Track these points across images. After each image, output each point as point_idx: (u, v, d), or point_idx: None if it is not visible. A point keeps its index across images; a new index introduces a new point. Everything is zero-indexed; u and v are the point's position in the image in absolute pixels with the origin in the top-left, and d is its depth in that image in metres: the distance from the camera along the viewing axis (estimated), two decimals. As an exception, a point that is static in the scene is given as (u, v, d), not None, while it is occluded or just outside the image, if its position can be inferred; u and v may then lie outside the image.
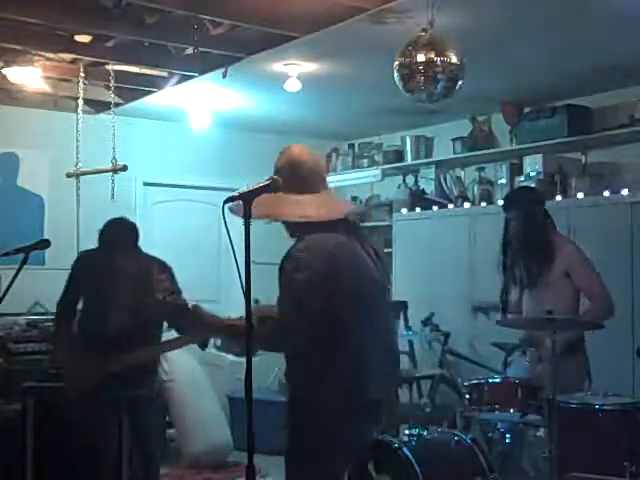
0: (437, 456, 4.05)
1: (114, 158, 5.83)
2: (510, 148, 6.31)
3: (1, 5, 4.32)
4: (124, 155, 5.95)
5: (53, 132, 6.52)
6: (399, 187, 7.30)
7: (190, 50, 5.01)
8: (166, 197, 7.35)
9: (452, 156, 6.76)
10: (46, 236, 5.68)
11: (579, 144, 5.88)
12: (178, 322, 4.02)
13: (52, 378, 4.91)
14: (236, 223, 2.53)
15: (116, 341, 3.98)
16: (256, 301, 2.90)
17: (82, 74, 5.59)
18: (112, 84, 5.73)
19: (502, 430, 4.13)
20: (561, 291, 4.19)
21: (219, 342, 3.55)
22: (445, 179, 6.84)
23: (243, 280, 2.42)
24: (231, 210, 2.60)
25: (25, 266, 3.53)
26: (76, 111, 6.01)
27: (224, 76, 5.30)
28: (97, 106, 6.41)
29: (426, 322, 5.88)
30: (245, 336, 2.39)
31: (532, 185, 5.72)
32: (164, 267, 4.21)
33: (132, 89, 6.08)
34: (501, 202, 6.09)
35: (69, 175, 6.11)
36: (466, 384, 4.18)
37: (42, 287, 6.03)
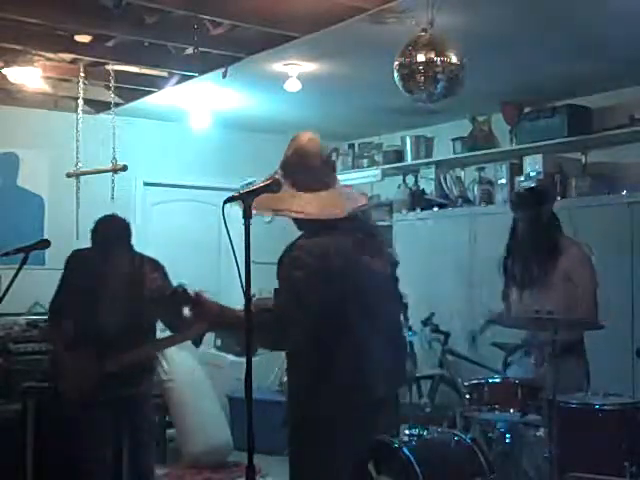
0: (437, 456, 4.03)
1: (114, 158, 5.83)
2: (510, 148, 6.31)
3: (1, 5, 4.32)
4: (124, 155, 5.95)
5: (53, 132, 6.52)
6: (399, 187, 7.30)
7: (190, 50, 5.01)
8: (166, 197, 7.35)
9: (452, 156, 6.76)
10: (46, 236, 5.68)
11: (579, 144, 5.88)
12: (172, 320, 4.02)
13: (52, 378, 4.93)
14: (236, 223, 2.53)
15: (111, 340, 3.97)
16: (252, 296, 2.90)
17: (82, 74, 5.59)
18: (112, 84, 5.73)
19: (502, 430, 4.12)
20: (561, 293, 4.18)
21: (219, 342, 3.56)
22: (445, 179, 6.84)
23: (243, 280, 2.43)
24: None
25: (25, 266, 3.53)
26: (76, 111, 6.01)
27: (224, 76, 5.30)
28: (97, 106, 6.41)
29: (426, 322, 5.88)
30: (244, 329, 2.39)
31: (534, 185, 5.72)
32: (157, 265, 4.21)
33: (132, 89, 6.08)
34: (501, 202, 6.17)
35: (69, 175, 6.11)
36: (466, 384, 4.17)
37: (42, 287, 6.00)
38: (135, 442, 4.14)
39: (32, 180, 6.59)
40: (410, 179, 7.30)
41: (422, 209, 6.77)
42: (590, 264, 4.24)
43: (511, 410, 3.95)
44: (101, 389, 3.93)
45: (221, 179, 7.23)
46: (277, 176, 2.69)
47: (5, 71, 5.45)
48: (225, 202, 2.50)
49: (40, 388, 4.62)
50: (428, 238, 6.54)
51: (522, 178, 6.03)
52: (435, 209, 6.67)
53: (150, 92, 6.11)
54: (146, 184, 7.15)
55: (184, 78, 5.65)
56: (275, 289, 2.77)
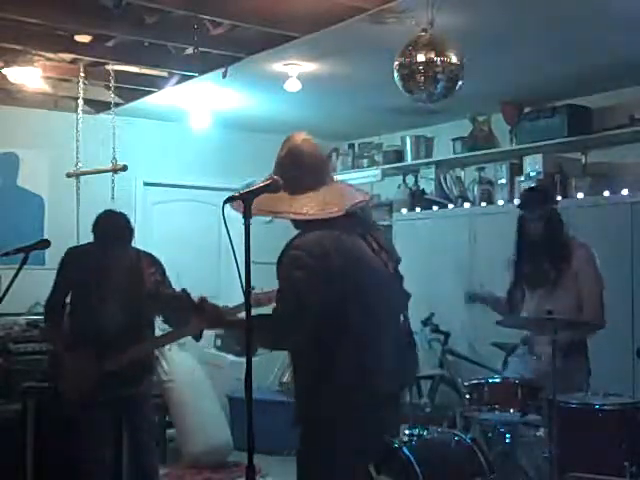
0: (437, 456, 4.05)
1: (114, 158, 5.83)
2: (510, 148, 6.31)
3: (1, 5, 4.32)
4: (124, 155, 5.95)
5: (53, 132, 6.52)
6: (399, 187, 7.30)
7: (190, 50, 5.01)
8: (166, 197, 7.35)
9: (452, 156, 6.76)
10: (46, 236, 5.67)
11: (579, 144, 5.88)
12: (172, 316, 4.01)
13: (51, 378, 4.92)
14: (236, 223, 2.53)
15: (109, 337, 3.95)
16: (252, 288, 2.90)
17: (82, 74, 5.59)
18: (112, 84, 5.73)
19: (502, 430, 4.13)
20: (572, 294, 4.18)
21: (219, 342, 3.56)
22: (445, 179, 6.84)
23: (243, 280, 2.43)
24: (233, 207, 2.59)
25: (25, 266, 3.53)
26: (76, 111, 6.01)
27: (224, 76, 5.30)
28: (97, 106, 6.41)
29: (426, 322, 5.88)
30: (245, 331, 2.39)
31: (538, 184, 5.72)
32: (153, 260, 4.20)
33: (132, 89, 6.08)
34: (501, 202, 6.18)
35: (69, 175, 6.11)
36: (466, 384, 4.17)
37: (42, 287, 5.98)
38: (136, 442, 4.13)
39: (32, 180, 6.58)
40: (410, 179, 7.30)
41: (422, 209, 6.77)
42: (596, 265, 4.24)
43: (511, 410, 3.95)
44: (101, 389, 3.93)
45: (221, 179, 7.23)
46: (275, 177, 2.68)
47: (5, 71, 5.45)
48: (225, 202, 2.50)
49: (40, 388, 4.62)
50: (428, 238, 6.54)
51: (522, 178, 6.03)
52: (435, 209, 6.67)
53: (150, 92, 6.11)
54: (146, 184, 7.15)
55: (184, 78, 5.65)
56: (277, 292, 2.75)
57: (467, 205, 6.50)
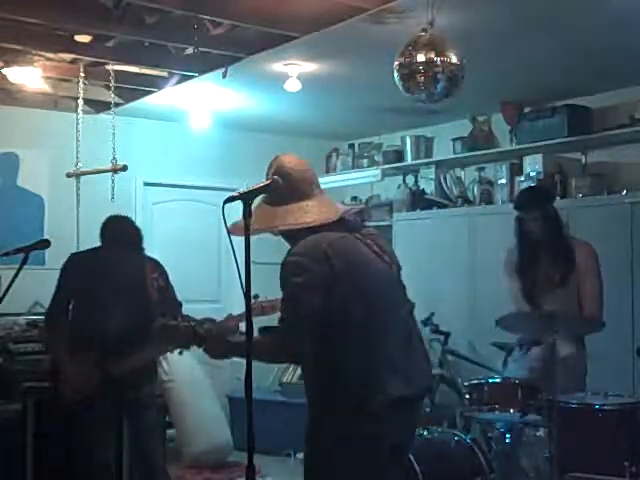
0: (437, 456, 4.05)
1: (114, 158, 5.83)
2: (510, 148, 6.31)
3: (1, 5, 4.32)
4: (124, 155, 5.95)
5: (53, 132, 6.51)
6: (399, 187, 7.30)
7: (190, 50, 5.00)
8: (166, 197, 7.35)
9: (452, 156, 6.76)
10: (46, 236, 5.68)
11: (579, 144, 5.88)
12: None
13: (52, 378, 4.91)
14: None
15: (113, 343, 3.94)
16: (255, 296, 2.89)
17: (82, 74, 5.58)
18: (112, 84, 5.72)
19: (502, 430, 4.13)
20: (574, 293, 4.18)
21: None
22: (445, 179, 6.84)
23: (243, 280, 2.43)
24: (230, 232, 2.56)
25: (25, 266, 3.54)
26: (76, 111, 6.01)
27: (224, 76, 5.30)
28: (97, 106, 6.41)
29: (426, 322, 5.88)
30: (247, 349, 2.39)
31: (534, 184, 5.73)
32: (157, 266, 4.19)
33: (132, 89, 6.08)
34: (501, 202, 6.18)
35: (69, 175, 6.11)
36: (466, 384, 4.17)
37: (42, 287, 5.99)
38: (142, 445, 4.11)
39: (32, 180, 6.58)
40: (410, 179, 7.30)
41: (422, 209, 6.77)
42: (598, 263, 4.24)
43: (511, 410, 3.95)
44: (103, 393, 3.90)
45: (221, 179, 7.23)
46: (275, 177, 2.67)
47: (5, 71, 5.45)
48: (225, 202, 2.49)
49: (40, 388, 4.61)
50: (428, 238, 6.54)
51: (522, 178, 6.03)
52: (435, 209, 6.67)
53: (150, 92, 6.11)
54: (146, 184, 7.14)
55: (184, 78, 5.65)
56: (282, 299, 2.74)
57: (467, 205, 6.50)
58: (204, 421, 6.38)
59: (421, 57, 3.88)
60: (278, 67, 5.27)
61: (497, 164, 6.38)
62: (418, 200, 6.90)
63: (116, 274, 4.06)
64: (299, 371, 7.13)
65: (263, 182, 2.58)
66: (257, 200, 2.61)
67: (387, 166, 7.29)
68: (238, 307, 2.70)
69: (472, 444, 4.05)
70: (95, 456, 4.01)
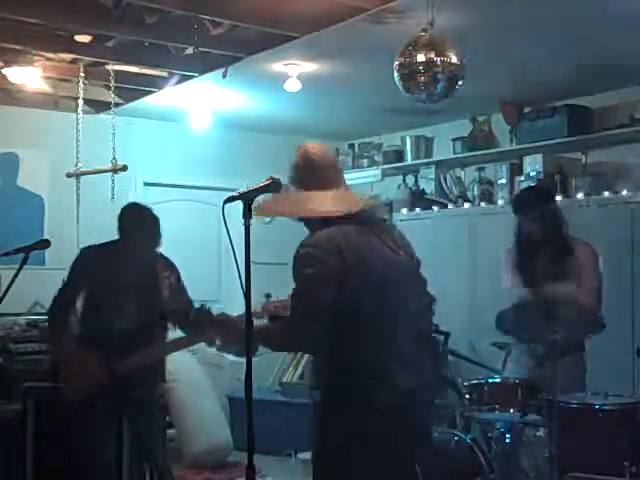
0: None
1: (114, 158, 5.84)
2: (510, 148, 6.31)
3: (1, 5, 4.32)
4: (124, 155, 5.95)
5: (53, 132, 6.51)
6: (399, 187, 7.30)
7: (190, 50, 5.01)
8: (166, 197, 7.34)
9: (452, 156, 6.76)
10: (46, 236, 5.68)
11: (579, 144, 5.88)
12: (186, 322, 3.97)
13: (52, 378, 4.90)
14: (236, 223, 2.53)
15: (121, 341, 3.88)
16: (268, 295, 2.90)
17: (82, 74, 5.59)
18: (112, 84, 5.73)
19: (502, 430, 4.13)
20: (572, 290, 4.18)
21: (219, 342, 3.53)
22: (445, 179, 6.85)
23: (243, 280, 2.43)
24: (255, 213, 2.56)
25: (25, 266, 3.54)
26: (76, 111, 6.01)
27: (224, 76, 5.30)
28: (97, 106, 6.41)
29: (426, 322, 5.87)
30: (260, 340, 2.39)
31: (533, 184, 5.72)
32: (169, 264, 4.13)
33: (132, 89, 6.08)
34: (501, 202, 6.18)
35: (69, 175, 6.11)
36: (466, 384, 4.17)
37: (42, 287, 5.99)
38: (143, 444, 4.09)
39: (32, 180, 6.58)
40: (410, 179, 7.30)
41: (422, 209, 6.77)
42: (598, 263, 4.24)
43: (511, 410, 3.95)
44: (107, 392, 3.85)
45: (221, 179, 7.23)
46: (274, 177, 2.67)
47: (5, 71, 5.45)
48: (225, 202, 2.50)
49: (40, 388, 4.61)
50: (428, 238, 6.52)
51: (522, 178, 6.03)
52: (435, 209, 6.67)
53: (150, 92, 6.11)
54: (146, 184, 7.14)
55: (184, 78, 5.65)
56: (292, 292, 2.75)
57: (467, 205, 6.50)
58: (204, 421, 6.38)
59: (421, 57, 3.89)
60: (278, 67, 5.27)
61: (497, 164, 6.38)
62: (418, 200, 6.90)
63: (127, 271, 3.99)
64: (299, 371, 7.14)
65: (263, 182, 2.58)
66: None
67: (387, 166, 7.29)
68: (238, 307, 2.69)
69: (472, 444, 4.05)
70: (96, 456, 3.99)
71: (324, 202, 2.77)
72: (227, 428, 6.51)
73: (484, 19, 4.38)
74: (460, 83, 3.99)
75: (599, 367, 4.26)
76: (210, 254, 7.34)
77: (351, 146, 7.81)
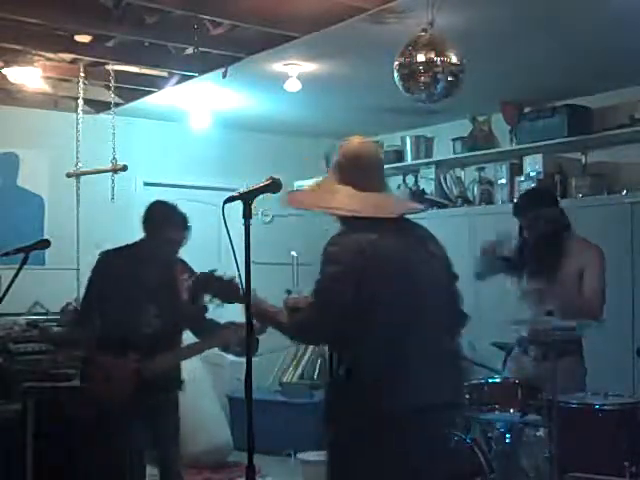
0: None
1: (114, 158, 5.84)
2: (510, 148, 6.31)
3: (1, 5, 4.32)
4: (124, 155, 5.95)
5: (53, 132, 6.51)
6: (399, 187, 7.29)
7: (190, 50, 5.01)
8: (166, 197, 7.28)
9: (452, 156, 6.76)
10: (46, 236, 5.68)
11: (579, 144, 5.88)
12: (198, 326, 3.96)
13: (52, 378, 4.91)
14: (236, 223, 2.53)
15: (144, 345, 3.83)
16: (288, 292, 2.90)
17: (82, 74, 5.59)
18: (112, 84, 5.73)
19: (502, 430, 4.12)
20: (570, 291, 4.18)
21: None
22: (445, 179, 6.85)
23: (243, 280, 2.43)
24: (288, 202, 2.67)
25: (25, 266, 3.54)
26: (76, 111, 6.01)
27: (224, 76, 5.30)
28: (97, 106, 6.41)
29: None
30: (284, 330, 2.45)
31: (533, 186, 5.73)
32: (186, 267, 4.12)
33: (132, 89, 6.08)
34: (501, 202, 6.18)
35: (69, 175, 6.11)
36: (466, 384, 4.17)
37: (42, 287, 6.03)
38: (161, 449, 4.06)
39: (32, 180, 6.58)
40: (410, 179, 7.30)
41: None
42: (603, 266, 4.23)
43: (511, 410, 3.95)
44: (134, 394, 3.79)
45: (221, 179, 7.23)
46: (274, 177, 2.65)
47: (5, 71, 5.45)
48: (225, 202, 2.50)
49: (40, 388, 4.61)
50: (428, 238, 6.54)
51: (522, 178, 6.03)
52: (435, 209, 6.67)
53: (150, 92, 6.11)
54: (146, 184, 7.14)
55: (184, 78, 5.65)
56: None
57: (467, 205, 6.50)
58: (204, 421, 6.37)
59: (421, 57, 3.89)
60: (278, 67, 5.27)
61: (497, 164, 6.38)
62: (418, 200, 6.88)
63: (148, 275, 3.96)
64: (299, 371, 7.14)
65: (263, 182, 2.58)
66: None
67: (387, 166, 7.24)
68: (238, 307, 2.70)
69: (472, 444, 4.05)
70: (110, 459, 3.91)
71: (353, 201, 2.77)
72: (227, 428, 6.51)
73: (484, 19, 4.39)
74: (460, 83, 3.99)
75: (599, 367, 4.26)
76: (210, 254, 7.32)
77: (351, 146, 7.81)
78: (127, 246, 4.13)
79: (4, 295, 3.47)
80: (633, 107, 5.58)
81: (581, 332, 4.16)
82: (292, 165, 7.24)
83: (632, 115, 5.55)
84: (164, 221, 4.07)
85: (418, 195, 6.97)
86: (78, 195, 6.05)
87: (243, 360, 2.47)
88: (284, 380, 7.06)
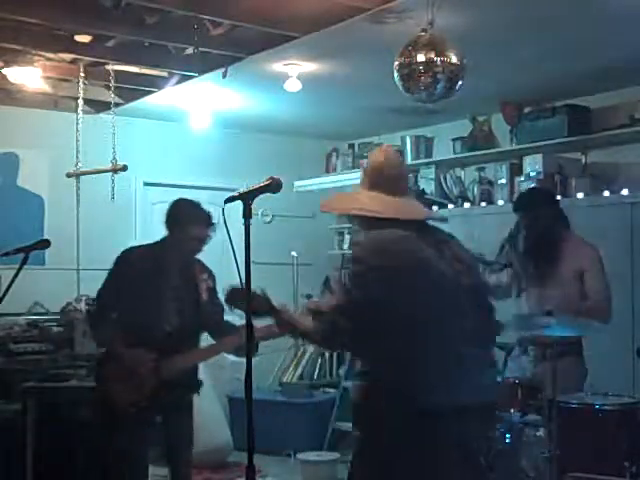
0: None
1: (114, 158, 5.84)
2: (510, 148, 6.31)
3: (1, 5, 4.32)
4: (124, 155, 5.95)
5: (53, 132, 6.52)
6: (399, 187, 7.29)
7: (190, 50, 5.01)
8: (166, 197, 7.28)
9: (452, 156, 6.76)
10: (46, 236, 5.66)
11: (579, 144, 5.88)
12: (215, 326, 3.94)
13: (52, 378, 4.91)
14: (236, 223, 2.53)
15: (166, 343, 3.80)
16: (309, 296, 2.90)
17: (82, 74, 5.59)
18: (112, 84, 5.73)
19: (502, 430, 4.12)
20: (568, 291, 4.18)
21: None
22: (445, 179, 6.84)
23: (243, 280, 2.43)
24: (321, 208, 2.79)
25: (25, 266, 3.53)
26: (76, 111, 6.01)
27: (224, 76, 5.30)
28: (97, 106, 6.41)
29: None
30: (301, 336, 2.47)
31: (534, 185, 5.72)
32: (205, 268, 4.07)
33: (132, 89, 6.08)
34: (501, 202, 6.18)
35: (69, 175, 6.11)
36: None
37: (42, 287, 6.03)
38: (173, 451, 4.06)
39: (32, 180, 6.58)
40: (410, 179, 7.29)
41: (422, 209, 6.76)
42: (602, 264, 4.23)
43: (511, 410, 3.95)
44: (151, 394, 3.78)
45: (221, 179, 7.23)
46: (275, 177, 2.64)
47: (5, 71, 5.45)
48: (225, 202, 2.50)
49: (40, 388, 4.61)
50: (428, 238, 6.54)
51: (522, 178, 6.03)
52: (435, 209, 6.66)
53: (150, 92, 6.11)
54: (146, 184, 7.14)
55: (184, 78, 5.65)
56: None
57: (467, 205, 6.50)
58: (204, 421, 6.35)
59: (421, 57, 3.89)
60: (278, 67, 5.27)
61: (497, 164, 6.38)
62: (418, 200, 6.89)
63: (169, 274, 3.92)
64: (299, 371, 7.14)
65: (263, 182, 2.58)
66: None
67: (387, 166, 7.28)
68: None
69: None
70: (129, 457, 3.88)
71: (376, 202, 2.81)
72: (227, 428, 6.50)
73: (484, 19, 4.39)
74: (460, 83, 3.99)
75: (599, 367, 4.26)
76: (210, 254, 7.32)
77: (351, 146, 7.81)
78: (150, 244, 4.11)
79: (4, 295, 3.47)
80: (633, 107, 5.58)
81: (581, 332, 4.17)
82: (292, 165, 7.24)
83: (632, 115, 5.54)
84: (189, 219, 4.01)
85: (418, 195, 6.97)
86: (78, 195, 6.05)
87: (243, 360, 2.47)
88: (284, 380, 7.05)
